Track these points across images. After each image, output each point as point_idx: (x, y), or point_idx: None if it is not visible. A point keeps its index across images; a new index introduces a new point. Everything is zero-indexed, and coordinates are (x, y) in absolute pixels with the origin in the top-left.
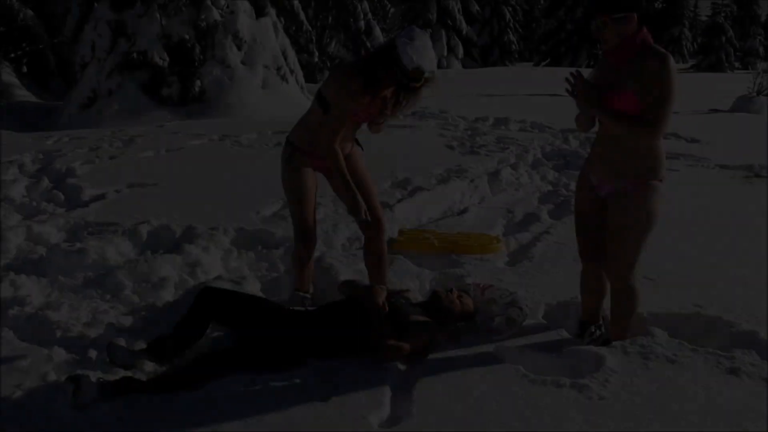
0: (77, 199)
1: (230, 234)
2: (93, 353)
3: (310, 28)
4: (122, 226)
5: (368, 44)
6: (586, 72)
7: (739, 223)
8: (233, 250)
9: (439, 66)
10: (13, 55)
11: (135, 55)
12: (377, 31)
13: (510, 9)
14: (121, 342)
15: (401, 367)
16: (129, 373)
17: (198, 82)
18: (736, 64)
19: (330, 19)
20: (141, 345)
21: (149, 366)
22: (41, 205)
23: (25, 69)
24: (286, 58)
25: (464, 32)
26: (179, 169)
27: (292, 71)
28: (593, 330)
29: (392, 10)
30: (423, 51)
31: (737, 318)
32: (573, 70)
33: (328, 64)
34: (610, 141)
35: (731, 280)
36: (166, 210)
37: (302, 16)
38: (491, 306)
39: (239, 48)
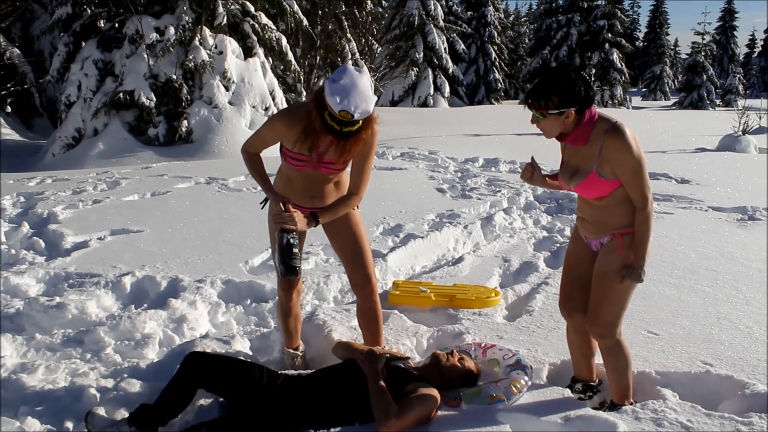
0: (58, 248)
1: (218, 286)
2: (70, 424)
3: (298, 68)
4: (105, 278)
5: None
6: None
7: (739, 270)
8: (221, 303)
9: (425, 104)
10: None
11: (122, 95)
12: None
13: (495, 48)
14: (101, 411)
15: None
16: None
17: (185, 123)
18: (717, 102)
19: (318, 58)
20: (123, 413)
21: None
22: (20, 254)
23: (8, 108)
24: (274, 98)
25: (450, 71)
26: (165, 215)
27: None
28: (581, 388)
29: (379, 49)
30: (349, 90)
31: (749, 377)
32: None
33: None
34: (587, 206)
35: (737, 333)
36: (151, 259)
37: (290, 56)
38: (494, 368)
39: (227, 88)
